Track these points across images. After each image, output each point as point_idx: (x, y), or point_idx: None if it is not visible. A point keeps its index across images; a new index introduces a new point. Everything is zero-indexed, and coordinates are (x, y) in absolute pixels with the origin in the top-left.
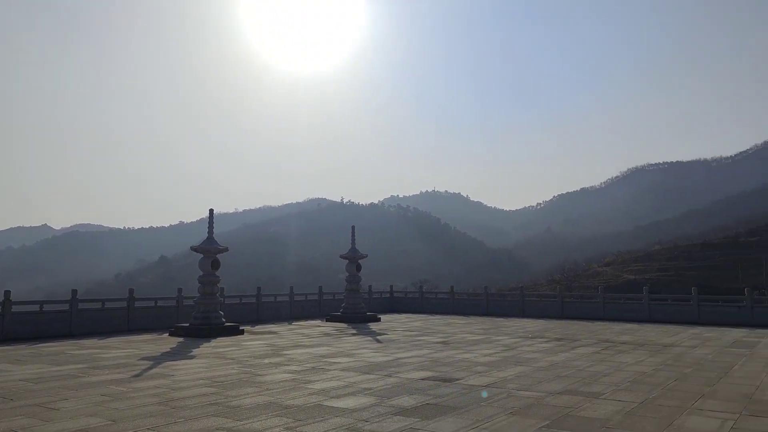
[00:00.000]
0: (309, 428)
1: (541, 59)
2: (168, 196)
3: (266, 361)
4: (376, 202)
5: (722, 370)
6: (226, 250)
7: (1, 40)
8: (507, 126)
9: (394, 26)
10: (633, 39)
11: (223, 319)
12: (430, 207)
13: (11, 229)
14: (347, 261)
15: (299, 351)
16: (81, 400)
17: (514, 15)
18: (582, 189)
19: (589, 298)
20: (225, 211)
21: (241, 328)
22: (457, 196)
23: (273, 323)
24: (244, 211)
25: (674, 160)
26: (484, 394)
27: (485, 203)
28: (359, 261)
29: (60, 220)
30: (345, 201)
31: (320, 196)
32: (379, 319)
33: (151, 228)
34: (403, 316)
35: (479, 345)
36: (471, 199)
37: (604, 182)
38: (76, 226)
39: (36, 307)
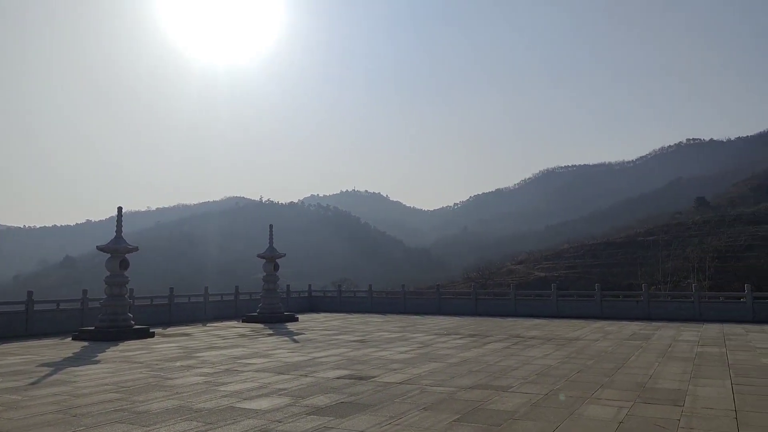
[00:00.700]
0: (219, 431)
1: (458, 61)
2: (74, 193)
3: (177, 364)
4: (296, 201)
5: (620, 361)
6: (136, 249)
7: None
8: (425, 127)
9: (314, 21)
10: (545, 45)
11: (132, 322)
12: (351, 206)
13: None
14: (265, 260)
15: (213, 353)
16: None
17: (431, 16)
18: (497, 190)
19: (501, 296)
20: (137, 209)
21: (151, 330)
22: (376, 196)
23: (186, 325)
24: (158, 209)
25: (582, 164)
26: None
27: (404, 203)
28: (277, 260)
29: None
30: (264, 200)
31: (238, 195)
32: (296, 319)
33: (54, 227)
34: (321, 316)
35: (395, 343)
36: (390, 198)
37: (517, 183)
38: None
39: None
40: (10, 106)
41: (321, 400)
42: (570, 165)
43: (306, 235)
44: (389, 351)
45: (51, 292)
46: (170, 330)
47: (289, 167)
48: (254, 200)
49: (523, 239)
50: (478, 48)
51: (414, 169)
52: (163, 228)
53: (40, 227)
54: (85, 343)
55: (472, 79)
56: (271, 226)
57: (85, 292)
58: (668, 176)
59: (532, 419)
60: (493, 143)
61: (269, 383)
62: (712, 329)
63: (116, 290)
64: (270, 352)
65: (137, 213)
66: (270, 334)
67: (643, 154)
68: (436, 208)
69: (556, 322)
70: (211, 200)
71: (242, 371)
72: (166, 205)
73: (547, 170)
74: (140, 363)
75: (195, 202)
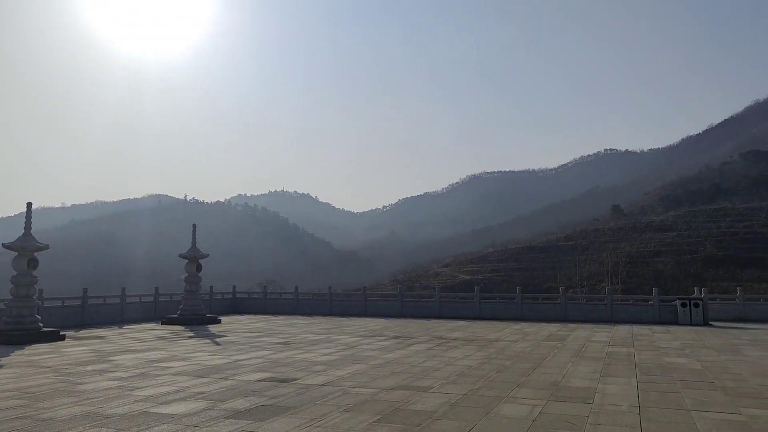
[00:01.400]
0: None
1: (393, 65)
2: None
3: (89, 368)
4: (222, 200)
5: (537, 361)
6: (47, 247)
7: None
8: (356, 129)
9: (246, 14)
10: (476, 55)
11: (41, 324)
12: (279, 207)
13: None
14: (187, 261)
15: (128, 356)
16: None
17: (369, 12)
18: (425, 193)
19: (427, 298)
20: (50, 206)
21: (62, 333)
22: (306, 197)
23: (101, 328)
24: (73, 206)
25: (508, 170)
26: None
27: (334, 205)
28: (200, 261)
29: None
30: (189, 199)
31: (161, 193)
32: (219, 321)
33: None
34: (245, 318)
35: (320, 345)
36: (320, 200)
37: (445, 188)
38: None
39: None
40: None
41: (240, 404)
42: (496, 171)
43: (233, 235)
44: (313, 353)
45: None
46: (83, 333)
47: (216, 165)
48: (178, 199)
49: (449, 242)
50: (415, 51)
51: (344, 170)
52: (79, 226)
53: None
54: None
55: (405, 84)
56: (194, 226)
57: None
58: (587, 184)
59: (450, 419)
60: (423, 147)
61: (187, 387)
62: (623, 330)
63: (23, 291)
64: (189, 355)
65: (50, 209)
66: (190, 337)
67: (564, 162)
68: (365, 210)
69: (479, 323)
70: (131, 198)
71: (159, 375)
72: (83, 202)
73: (474, 175)
74: (48, 367)
75: (114, 199)
